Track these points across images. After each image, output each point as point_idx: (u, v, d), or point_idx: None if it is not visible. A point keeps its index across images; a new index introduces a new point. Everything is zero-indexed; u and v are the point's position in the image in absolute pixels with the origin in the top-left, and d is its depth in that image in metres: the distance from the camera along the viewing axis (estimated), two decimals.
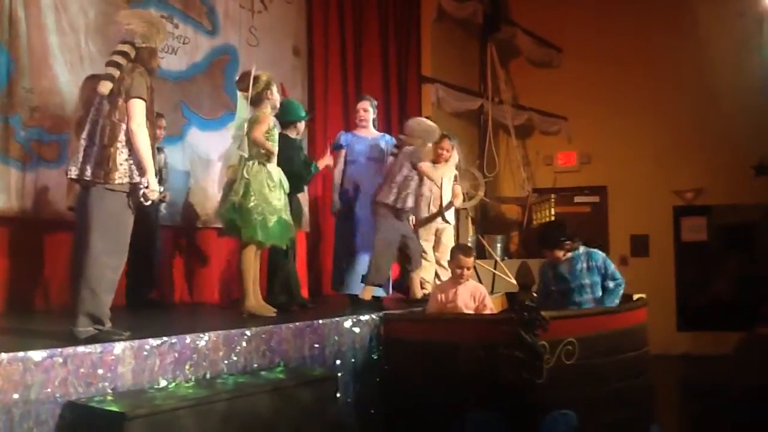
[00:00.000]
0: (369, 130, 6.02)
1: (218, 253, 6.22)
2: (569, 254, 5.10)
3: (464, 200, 8.28)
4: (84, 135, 3.53)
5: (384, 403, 4.46)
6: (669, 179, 9.85)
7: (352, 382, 4.34)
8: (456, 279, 4.81)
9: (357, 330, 4.45)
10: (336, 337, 4.31)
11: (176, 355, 3.38)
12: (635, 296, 5.43)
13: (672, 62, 9.66)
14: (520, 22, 10.18)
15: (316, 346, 4.17)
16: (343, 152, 5.95)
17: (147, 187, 3.45)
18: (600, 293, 5.04)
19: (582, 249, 5.15)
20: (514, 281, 6.85)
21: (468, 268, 4.79)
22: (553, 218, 8.75)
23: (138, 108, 3.47)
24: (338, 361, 4.28)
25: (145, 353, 3.26)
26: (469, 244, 6.85)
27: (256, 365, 3.77)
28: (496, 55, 9.85)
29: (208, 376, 3.51)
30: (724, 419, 6.10)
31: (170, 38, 5.79)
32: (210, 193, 6.10)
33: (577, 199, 10.23)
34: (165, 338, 3.36)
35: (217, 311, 5.53)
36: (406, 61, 8.55)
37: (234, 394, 3.30)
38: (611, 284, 5.04)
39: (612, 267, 5.10)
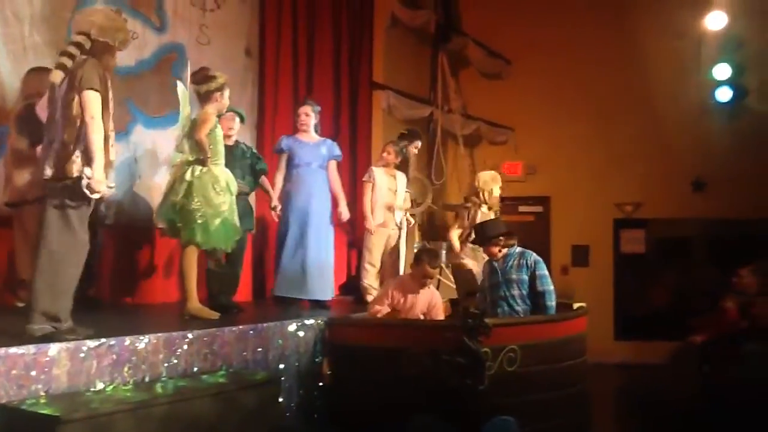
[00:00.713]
0: (310, 134, 6.05)
1: (161, 254, 6.09)
2: (505, 250, 5.19)
3: (412, 206, 8.36)
4: (46, 134, 3.48)
5: (328, 407, 4.44)
6: (610, 192, 10.12)
7: (296, 387, 4.31)
8: (419, 285, 4.84)
9: (301, 334, 4.43)
10: (280, 341, 4.27)
11: (114, 357, 3.31)
12: (575, 305, 5.55)
13: (616, 80, 9.93)
14: (471, 33, 10.31)
15: (260, 349, 4.13)
16: (284, 156, 5.94)
17: (91, 179, 3.34)
18: (527, 290, 5.08)
19: (519, 248, 5.25)
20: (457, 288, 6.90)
21: (432, 278, 4.86)
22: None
23: (92, 99, 3.38)
24: (282, 366, 4.25)
25: (82, 355, 3.17)
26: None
27: (197, 369, 3.71)
28: (447, 64, 9.95)
29: (147, 379, 3.44)
30: (659, 427, 6.28)
31: None
32: (154, 192, 5.97)
33: (522, 208, 10.40)
34: (103, 340, 3.28)
35: (159, 313, 5.42)
36: (358, 66, 8.56)
37: (174, 398, 3.24)
38: (539, 289, 5.07)
39: (543, 270, 5.14)
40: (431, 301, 4.90)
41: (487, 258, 5.41)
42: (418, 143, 7.52)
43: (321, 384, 4.49)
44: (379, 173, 6.47)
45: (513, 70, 10.66)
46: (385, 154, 6.56)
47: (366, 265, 6.35)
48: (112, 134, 3.59)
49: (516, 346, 4.14)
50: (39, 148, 4.18)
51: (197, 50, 6.45)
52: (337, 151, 6.25)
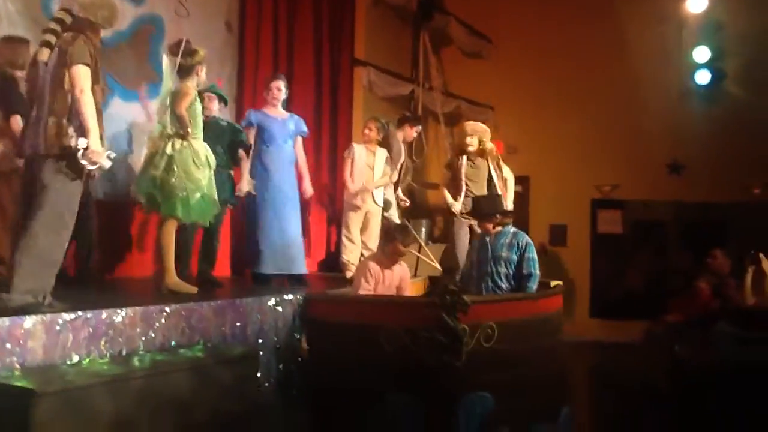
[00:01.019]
0: (278, 109, 6.01)
1: (137, 227, 6.04)
2: (499, 228, 5.22)
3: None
4: (33, 110, 3.51)
5: (306, 383, 4.45)
6: (588, 172, 10.18)
7: (274, 362, 4.31)
8: (392, 260, 4.87)
9: (280, 309, 4.43)
10: (258, 316, 4.27)
11: (91, 330, 3.28)
12: (552, 283, 5.60)
13: (597, 61, 9.96)
14: (453, 11, 10.26)
15: (238, 324, 4.12)
16: (253, 130, 5.92)
17: (87, 149, 3.36)
18: (513, 270, 5.11)
19: (513, 228, 5.29)
20: (438, 265, 6.95)
21: (402, 255, 4.89)
22: None
23: (82, 74, 3.41)
24: (260, 341, 4.24)
25: (58, 328, 3.14)
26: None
27: (174, 343, 3.70)
28: (428, 42, 9.90)
29: (124, 352, 3.42)
30: (632, 404, 6.40)
31: None
32: (131, 165, 5.91)
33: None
34: (79, 313, 3.25)
35: (137, 287, 5.39)
36: (339, 43, 8.49)
37: (150, 372, 3.23)
38: (524, 271, 5.09)
39: (532, 253, 5.16)
40: (402, 276, 4.96)
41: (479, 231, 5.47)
42: (419, 127, 7.51)
43: (300, 359, 4.49)
44: (359, 150, 6.48)
45: (494, 50, 10.64)
46: (366, 131, 6.56)
47: (344, 241, 6.39)
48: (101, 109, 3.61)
49: (493, 322, 4.16)
50: (16, 121, 4.18)
51: (175, 23, 6.33)
52: (304, 127, 6.21)
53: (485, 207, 5.40)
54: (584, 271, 10.26)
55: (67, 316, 3.19)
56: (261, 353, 4.17)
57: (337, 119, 8.36)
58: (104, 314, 3.36)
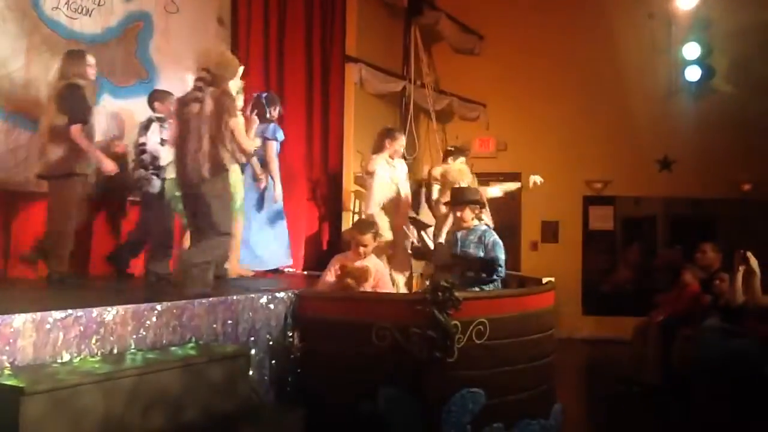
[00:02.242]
0: None
1: (130, 224, 6.02)
2: (473, 223, 5.24)
3: None
4: (189, 142, 4.45)
5: (298, 380, 4.44)
6: (580, 169, 10.21)
7: (267, 360, 4.30)
8: (356, 253, 4.86)
9: (272, 307, 4.41)
10: (250, 314, 4.25)
11: (81, 328, 3.25)
12: (544, 280, 5.61)
13: (587, 58, 9.99)
14: (444, 7, 10.25)
15: (230, 322, 4.10)
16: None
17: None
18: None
19: (484, 226, 5.31)
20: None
21: (365, 245, 4.85)
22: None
23: (240, 123, 4.71)
24: (252, 338, 4.23)
25: (48, 326, 3.11)
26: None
27: (166, 341, 3.68)
28: (420, 38, 9.89)
29: (115, 351, 3.40)
30: (624, 400, 6.43)
31: None
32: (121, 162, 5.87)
33: (492, 184, 10.44)
34: (70, 311, 3.22)
35: (129, 284, 5.37)
36: (331, 39, 8.46)
37: (141, 370, 3.21)
38: (489, 255, 5.10)
39: (499, 253, 5.10)
40: (375, 272, 4.91)
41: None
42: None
43: (292, 357, 4.48)
44: (381, 162, 6.09)
45: (486, 46, 10.65)
46: (389, 142, 6.14)
47: None
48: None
49: (485, 319, 4.17)
50: (77, 130, 4.76)
51: (165, 19, 6.32)
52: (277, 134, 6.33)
53: (469, 194, 5.44)
54: (576, 268, 10.30)
55: (57, 315, 3.16)
56: (253, 351, 4.15)
57: (328, 116, 8.34)
58: (95, 312, 3.33)
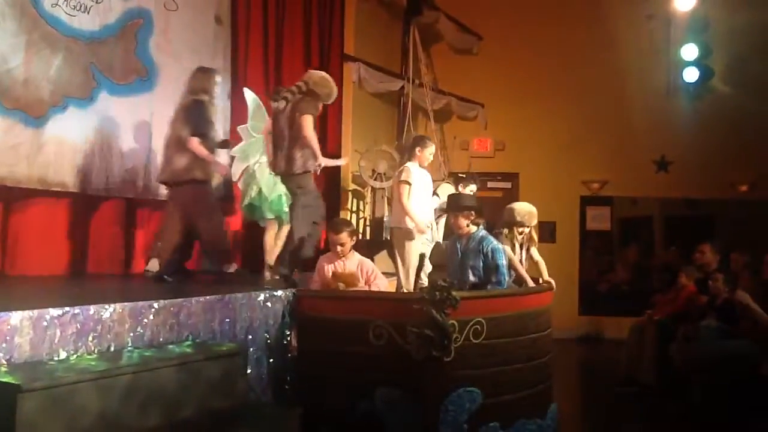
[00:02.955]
0: None
1: (128, 223, 6.03)
2: (470, 229, 5.14)
3: (382, 180, 8.36)
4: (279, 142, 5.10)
5: (296, 379, 4.45)
6: (577, 169, 10.23)
7: (265, 358, 4.29)
8: (335, 252, 4.86)
9: (270, 305, 4.41)
10: (248, 312, 4.25)
11: (78, 326, 3.25)
12: (541, 280, 5.62)
13: (586, 58, 10.00)
14: (443, 7, 10.25)
15: (227, 320, 4.10)
16: None
17: (320, 165, 5.14)
18: (483, 277, 4.99)
19: (482, 232, 5.18)
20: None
21: (342, 244, 4.83)
22: None
23: (309, 121, 5.00)
24: (250, 337, 4.23)
25: (45, 323, 3.11)
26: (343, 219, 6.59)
27: (163, 339, 3.68)
28: (418, 38, 9.89)
29: (112, 348, 3.40)
30: (620, 399, 6.44)
31: None
32: (116, 159, 5.88)
33: (491, 184, 10.47)
34: (67, 308, 3.22)
35: (128, 283, 5.38)
36: (329, 38, 8.46)
37: (138, 368, 3.20)
38: (493, 279, 4.96)
39: (499, 260, 4.98)
40: (361, 268, 4.87)
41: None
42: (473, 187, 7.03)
43: (290, 355, 4.49)
44: (415, 170, 5.85)
45: (484, 46, 10.66)
46: (420, 151, 5.92)
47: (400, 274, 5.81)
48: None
49: (482, 318, 4.17)
50: (195, 142, 5.04)
51: (164, 16, 6.31)
52: None
53: (464, 200, 5.35)
54: (573, 268, 10.31)
55: (55, 312, 3.16)
56: (251, 349, 4.15)
57: (326, 115, 8.33)
58: (92, 310, 3.33)
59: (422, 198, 5.81)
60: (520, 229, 5.55)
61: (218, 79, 5.42)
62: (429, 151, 5.96)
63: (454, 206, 5.28)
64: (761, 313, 5.85)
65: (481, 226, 5.21)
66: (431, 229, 6.14)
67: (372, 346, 4.15)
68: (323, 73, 5.25)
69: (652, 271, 9.92)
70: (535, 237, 5.76)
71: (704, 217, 10.12)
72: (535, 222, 5.68)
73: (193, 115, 5.08)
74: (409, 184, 5.69)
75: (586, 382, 7.91)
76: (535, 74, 10.17)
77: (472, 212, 5.15)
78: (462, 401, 4.09)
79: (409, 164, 5.86)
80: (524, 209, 5.65)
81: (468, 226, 5.14)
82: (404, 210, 5.66)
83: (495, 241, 5.12)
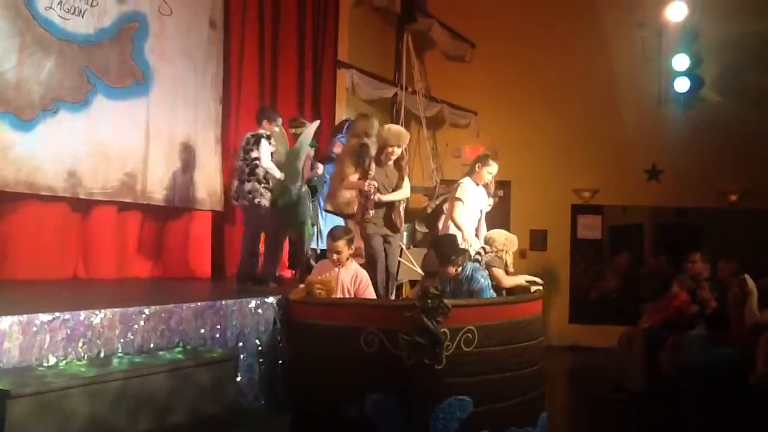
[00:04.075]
0: None
1: (119, 228, 6.01)
2: (459, 270, 5.05)
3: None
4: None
5: (287, 385, 4.44)
6: (569, 178, 10.27)
7: (256, 364, 4.28)
8: (332, 260, 4.85)
9: (261, 312, 4.40)
10: (238, 319, 4.24)
11: (68, 331, 3.24)
12: (532, 289, 5.63)
13: (578, 67, 10.06)
14: (436, 14, 10.30)
15: (218, 326, 4.09)
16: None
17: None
18: None
19: (469, 268, 5.10)
20: (419, 269, 6.94)
21: (339, 252, 4.82)
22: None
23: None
24: (241, 343, 4.22)
25: (35, 329, 3.10)
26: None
27: (153, 345, 3.66)
28: (412, 45, 9.92)
29: (102, 354, 3.38)
30: (610, 407, 6.45)
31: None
32: (112, 164, 5.86)
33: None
34: (57, 314, 3.21)
35: (118, 288, 5.35)
36: (323, 44, 8.48)
37: (128, 374, 3.19)
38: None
39: (486, 295, 4.99)
40: (354, 278, 4.86)
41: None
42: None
43: (281, 362, 4.48)
44: (471, 187, 5.92)
45: (477, 54, 10.70)
46: (480, 167, 6.01)
47: None
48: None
49: (473, 326, 4.18)
50: (353, 178, 5.55)
51: (159, 20, 6.30)
52: None
53: (451, 251, 5.10)
54: (564, 276, 10.34)
55: (44, 317, 3.15)
56: (242, 356, 4.14)
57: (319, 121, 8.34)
58: (82, 315, 3.32)
59: (471, 214, 5.83)
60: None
61: (376, 123, 6.02)
62: (488, 170, 5.98)
63: (444, 258, 5.09)
64: (755, 308, 5.76)
65: (467, 263, 5.14)
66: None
67: (363, 353, 4.14)
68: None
69: (642, 280, 9.96)
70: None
71: (694, 226, 10.17)
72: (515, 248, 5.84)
73: (359, 157, 5.66)
74: (462, 201, 5.74)
75: (574, 389, 7.91)
76: (528, 82, 10.22)
77: (459, 259, 5.06)
78: (453, 409, 4.09)
79: (465, 180, 5.91)
80: (503, 236, 5.78)
81: (456, 271, 5.06)
82: (455, 225, 5.72)
83: (481, 276, 5.07)
